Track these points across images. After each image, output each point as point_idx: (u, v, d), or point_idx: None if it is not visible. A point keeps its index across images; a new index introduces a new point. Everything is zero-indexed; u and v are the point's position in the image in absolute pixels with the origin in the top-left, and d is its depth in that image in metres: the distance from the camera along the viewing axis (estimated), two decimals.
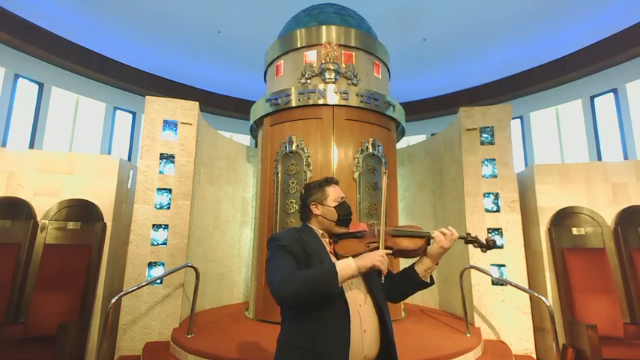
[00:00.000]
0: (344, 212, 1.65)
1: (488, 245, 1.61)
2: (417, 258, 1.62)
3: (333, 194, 1.66)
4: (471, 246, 4.13)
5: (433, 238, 1.56)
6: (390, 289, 1.65)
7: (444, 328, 3.98)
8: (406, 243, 1.59)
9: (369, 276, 1.57)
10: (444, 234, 1.54)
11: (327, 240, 1.66)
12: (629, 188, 4.27)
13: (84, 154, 4.52)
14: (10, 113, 7.01)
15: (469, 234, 1.66)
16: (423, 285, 1.61)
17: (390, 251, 1.56)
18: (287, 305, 1.48)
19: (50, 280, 3.75)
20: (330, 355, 1.40)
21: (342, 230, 1.66)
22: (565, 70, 8.08)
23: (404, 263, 1.82)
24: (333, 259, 1.58)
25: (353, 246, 1.61)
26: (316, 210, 1.66)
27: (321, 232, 1.66)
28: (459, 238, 1.61)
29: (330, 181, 1.71)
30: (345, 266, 1.38)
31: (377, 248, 1.53)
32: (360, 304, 1.50)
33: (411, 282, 1.61)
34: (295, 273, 1.42)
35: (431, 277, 1.62)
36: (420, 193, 5.49)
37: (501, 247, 4.16)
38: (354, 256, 1.57)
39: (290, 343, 1.51)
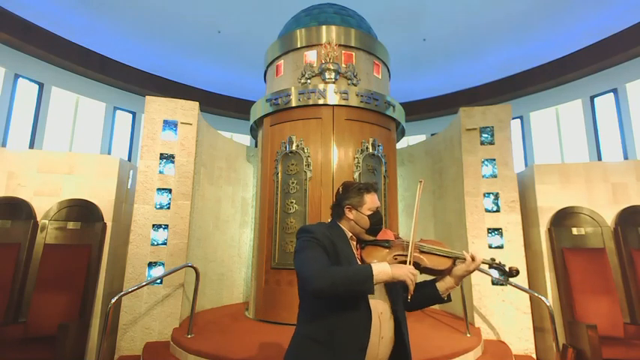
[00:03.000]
0: (376, 222, 1.64)
1: (511, 274, 1.59)
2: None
3: (370, 203, 1.65)
4: (471, 244, 4.17)
5: (461, 260, 1.56)
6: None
7: (444, 328, 3.98)
8: (434, 262, 1.58)
9: (391, 285, 1.56)
10: (474, 259, 1.54)
11: (355, 243, 1.66)
12: (629, 188, 4.27)
13: (84, 154, 4.52)
14: (10, 113, 7.01)
15: (494, 259, 1.63)
16: (441, 301, 1.63)
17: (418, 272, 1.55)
18: (318, 297, 1.47)
19: (50, 280, 3.75)
20: (346, 355, 1.42)
21: (371, 238, 1.66)
22: (565, 70, 8.08)
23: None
24: (360, 263, 1.59)
25: (381, 256, 1.60)
26: (349, 214, 1.65)
27: (350, 234, 1.66)
28: (485, 262, 1.60)
29: (370, 188, 1.69)
30: (382, 270, 1.38)
31: (404, 262, 1.52)
32: (381, 311, 1.51)
33: (431, 297, 1.62)
34: (331, 267, 1.43)
35: (449, 294, 1.63)
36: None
37: (501, 247, 4.18)
38: None
39: (308, 334, 1.52)
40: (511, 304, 4.01)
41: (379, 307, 1.51)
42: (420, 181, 1.76)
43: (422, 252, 1.60)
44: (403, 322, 1.57)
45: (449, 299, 1.64)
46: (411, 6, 7.66)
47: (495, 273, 1.68)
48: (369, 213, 1.63)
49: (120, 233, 4.44)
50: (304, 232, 1.59)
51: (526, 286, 3.97)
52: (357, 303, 1.47)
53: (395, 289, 1.58)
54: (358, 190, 1.67)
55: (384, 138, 4.59)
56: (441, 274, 1.60)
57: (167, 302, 3.93)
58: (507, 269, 1.59)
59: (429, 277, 1.67)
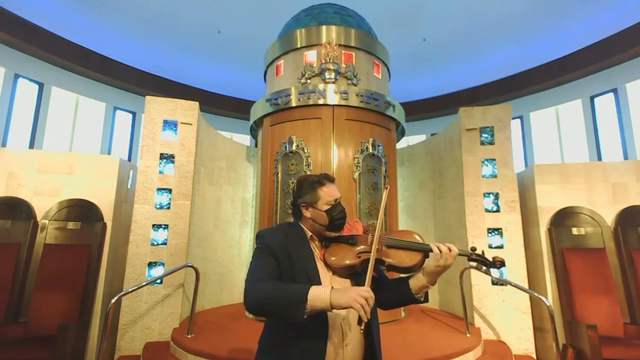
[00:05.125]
0: (336, 217, 1.48)
1: (494, 265, 1.42)
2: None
3: (326, 196, 1.49)
4: (471, 244, 4.17)
5: (432, 252, 1.40)
6: (381, 295, 1.50)
7: (444, 328, 3.98)
8: (401, 258, 1.43)
9: (358, 282, 1.42)
10: (441, 250, 1.38)
11: (317, 243, 1.53)
12: (629, 188, 4.27)
13: (84, 154, 4.52)
14: (10, 113, 7.01)
15: (474, 249, 1.45)
16: (415, 301, 1.46)
17: (383, 268, 1.42)
18: (253, 314, 1.34)
19: (50, 280, 3.75)
20: None
21: (334, 235, 1.51)
22: (565, 70, 8.08)
23: None
24: (320, 265, 1.46)
25: (343, 253, 1.46)
26: (306, 212, 1.52)
27: (310, 234, 1.53)
28: (462, 255, 1.44)
29: (324, 180, 1.53)
30: (318, 297, 1.19)
31: (368, 260, 1.38)
32: (343, 316, 1.38)
33: (404, 296, 1.47)
34: (267, 284, 1.29)
35: (426, 294, 1.46)
36: (420, 193, 5.49)
37: (501, 247, 4.18)
38: (342, 268, 1.45)
39: (266, 348, 1.45)
40: (511, 304, 4.01)
41: (342, 311, 1.34)
42: (387, 187, 1.68)
43: (388, 247, 1.45)
44: (374, 326, 1.43)
45: (426, 300, 1.47)
46: (411, 6, 7.67)
47: (484, 268, 1.47)
48: (327, 208, 1.48)
49: (120, 233, 4.44)
50: (258, 237, 1.50)
51: (526, 286, 3.97)
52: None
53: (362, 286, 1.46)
54: (311, 184, 1.52)
55: (384, 138, 4.59)
56: (410, 271, 1.43)
57: (167, 302, 3.93)
58: (490, 260, 1.44)
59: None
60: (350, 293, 1.18)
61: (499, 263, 1.41)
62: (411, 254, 1.43)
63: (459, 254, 1.42)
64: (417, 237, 1.49)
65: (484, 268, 1.47)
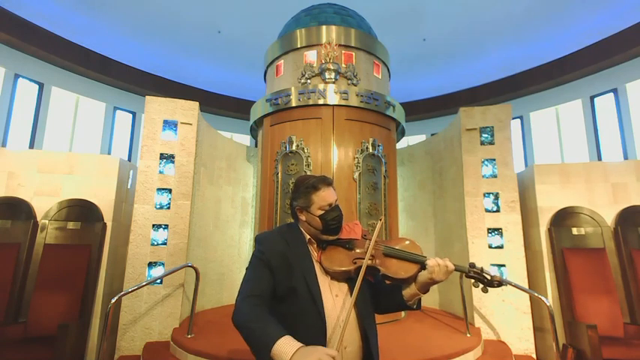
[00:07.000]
0: (330, 222, 1.47)
1: (492, 283, 1.42)
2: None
3: (320, 201, 1.48)
4: (471, 244, 4.18)
5: (428, 265, 1.40)
6: (375, 299, 1.54)
7: (444, 328, 3.98)
8: (396, 268, 1.43)
9: (353, 289, 1.41)
10: (439, 265, 1.38)
11: (315, 246, 1.53)
12: (629, 188, 4.27)
13: (84, 154, 4.53)
14: (10, 113, 7.01)
15: (472, 265, 1.45)
16: (408, 308, 1.49)
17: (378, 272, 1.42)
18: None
19: (50, 280, 3.75)
20: None
21: (331, 238, 1.51)
22: (565, 70, 8.08)
23: None
24: (319, 269, 1.46)
25: (339, 257, 1.46)
26: (301, 216, 1.53)
27: (308, 237, 1.53)
28: (459, 271, 1.44)
29: (319, 184, 1.50)
30: (279, 355, 1.16)
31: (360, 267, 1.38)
32: (342, 318, 1.39)
33: (396, 302, 1.49)
34: (251, 310, 1.31)
35: (418, 301, 1.48)
36: (420, 193, 5.49)
37: (501, 247, 4.18)
38: (336, 273, 1.44)
39: None
40: (511, 304, 4.01)
41: (341, 315, 1.39)
42: (381, 220, 1.64)
43: (385, 256, 1.45)
44: (370, 330, 1.44)
45: (418, 307, 1.49)
46: (411, 6, 7.66)
47: (481, 285, 1.44)
48: (320, 213, 1.47)
49: (120, 233, 4.44)
50: (256, 243, 1.51)
51: (526, 286, 3.97)
52: (308, 314, 1.36)
53: (362, 293, 1.44)
54: (305, 188, 1.51)
55: (384, 138, 4.59)
56: (403, 281, 1.44)
57: (167, 302, 3.93)
58: (489, 278, 1.43)
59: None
60: (315, 355, 1.13)
61: (497, 283, 1.42)
62: (407, 265, 1.43)
63: (456, 270, 1.43)
64: (415, 247, 1.50)
65: (481, 285, 1.46)
